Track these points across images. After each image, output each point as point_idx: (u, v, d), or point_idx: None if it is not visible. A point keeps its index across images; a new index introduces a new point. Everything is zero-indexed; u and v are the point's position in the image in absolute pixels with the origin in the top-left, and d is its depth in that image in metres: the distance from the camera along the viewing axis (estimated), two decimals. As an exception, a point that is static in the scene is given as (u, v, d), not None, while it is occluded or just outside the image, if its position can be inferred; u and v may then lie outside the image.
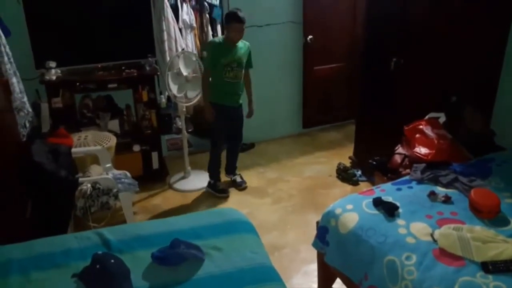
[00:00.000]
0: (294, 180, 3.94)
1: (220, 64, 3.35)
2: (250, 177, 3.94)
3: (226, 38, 3.38)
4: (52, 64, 3.41)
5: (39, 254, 2.01)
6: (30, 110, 3.11)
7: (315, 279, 2.64)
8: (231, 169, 3.89)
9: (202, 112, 3.65)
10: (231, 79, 3.41)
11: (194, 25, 3.99)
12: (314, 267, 2.64)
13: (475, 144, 2.87)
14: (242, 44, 3.44)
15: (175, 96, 3.59)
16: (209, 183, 3.78)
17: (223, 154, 3.83)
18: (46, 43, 3.46)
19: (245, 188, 3.81)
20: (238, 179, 3.85)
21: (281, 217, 3.39)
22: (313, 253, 2.57)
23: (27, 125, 3.06)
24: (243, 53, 3.44)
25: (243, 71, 3.49)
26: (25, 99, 3.04)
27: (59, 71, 3.49)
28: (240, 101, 3.58)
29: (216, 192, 3.70)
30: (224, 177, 3.89)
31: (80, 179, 2.86)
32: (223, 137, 3.67)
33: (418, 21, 3.11)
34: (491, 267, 1.78)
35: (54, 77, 3.42)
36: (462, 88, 3.05)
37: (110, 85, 3.59)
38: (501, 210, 2.15)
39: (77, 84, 3.51)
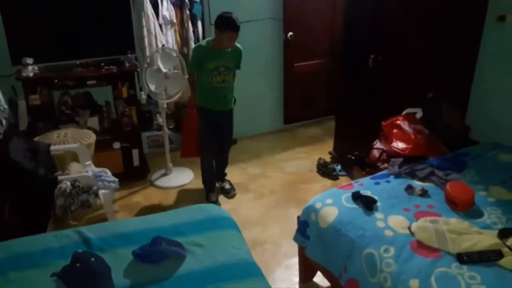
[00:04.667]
0: (276, 176, 3.97)
1: (206, 68, 3.16)
2: (233, 173, 3.94)
3: (215, 42, 3.16)
4: (29, 60, 3.34)
5: (18, 254, 1.99)
6: (6, 107, 3.05)
7: (297, 273, 2.67)
8: (219, 175, 3.72)
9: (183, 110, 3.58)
10: (219, 84, 3.23)
11: (174, 21, 3.96)
12: (295, 261, 2.67)
13: (450, 139, 2.94)
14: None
15: (152, 92, 3.57)
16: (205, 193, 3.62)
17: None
18: (22, 39, 3.38)
19: (233, 196, 3.66)
20: (227, 186, 3.71)
21: (263, 213, 3.41)
22: (295, 247, 2.60)
23: (4, 122, 3.00)
24: (231, 56, 3.22)
25: (232, 74, 3.30)
26: (0, 96, 2.98)
27: (36, 68, 3.42)
28: (230, 106, 3.41)
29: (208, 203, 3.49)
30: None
31: (59, 177, 2.82)
32: (213, 143, 3.48)
33: (395, 20, 3.15)
34: (465, 258, 1.83)
35: (31, 74, 3.36)
36: (439, 85, 3.12)
37: (89, 82, 3.54)
38: (475, 203, 2.22)
39: (55, 81, 3.45)
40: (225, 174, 3.77)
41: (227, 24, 3.06)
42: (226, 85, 3.29)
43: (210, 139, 3.45)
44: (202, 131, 3.41)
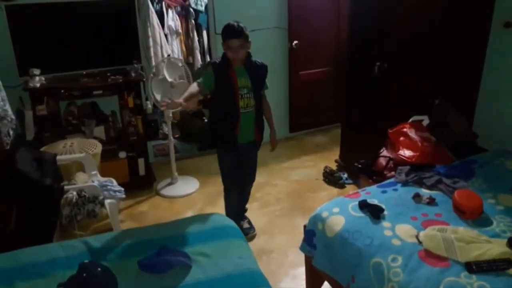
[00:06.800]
0: (282, 184, 3.95)
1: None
2: (238, 182, 3.93)
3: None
4: (36, 71, 3.38)
5: (24, 263, 1.99)
6: (13, 117, 3.06)
7: (304, 283, 2.65)
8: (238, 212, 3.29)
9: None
10: (242, 109, 2.77)
11: (180, 31, 4.00)
12: (302, 270, 2.65)
13: (458, 146, 2.92)
14: (253, 64, 2.80)
15: (158, 102, 3.58)
16: None
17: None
18: (29, 50, 3.42)
19: (253, 237, 3.19)
20: (246, 225, 3.25)
21: (269, 221, 3.40)
22: (301, 256, 2.58)
23: (11, 133, 3.02)
24: (253, 76, 2.77)
25: (255, 97, 2.80)
26: (7, 106, 3.00)
27: (43, 78, 3.46)
28: (253, 137, 2.94)
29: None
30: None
31: (66, 187, 2.83)
32: (235, 179, 3.08)
33: (400, 27, 3.16)
34: (474, 267, 1.80)
35: (38, 85, 3.39)
36: (445, 91, 3.11)
37: (95, 92, 3.57)
38: (484, 211, 2.19)
39: (62, 91, 3.48)
40: (245, 210, 3.37)
41: (224, 32, 2.68)
42: (249, 110, 2.80)
43: (232, 175, 3.05)
44: (222, 164, 3.02)
